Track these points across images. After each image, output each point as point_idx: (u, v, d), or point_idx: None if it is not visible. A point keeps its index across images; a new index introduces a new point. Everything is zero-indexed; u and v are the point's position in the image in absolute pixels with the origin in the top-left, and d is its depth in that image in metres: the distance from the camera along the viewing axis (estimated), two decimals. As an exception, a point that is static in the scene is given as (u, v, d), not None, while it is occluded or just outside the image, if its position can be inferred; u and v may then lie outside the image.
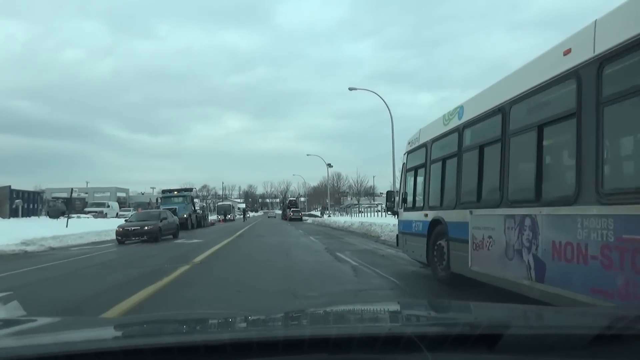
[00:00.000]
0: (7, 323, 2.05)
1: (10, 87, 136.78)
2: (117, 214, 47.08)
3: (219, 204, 72.09)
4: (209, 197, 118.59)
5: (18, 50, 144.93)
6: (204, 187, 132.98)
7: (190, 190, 37.50)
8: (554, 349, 1.40)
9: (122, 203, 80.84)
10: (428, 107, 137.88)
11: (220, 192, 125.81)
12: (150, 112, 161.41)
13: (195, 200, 78.28)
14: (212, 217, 58.37)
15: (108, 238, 22.93)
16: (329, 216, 59.73)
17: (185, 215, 33.87)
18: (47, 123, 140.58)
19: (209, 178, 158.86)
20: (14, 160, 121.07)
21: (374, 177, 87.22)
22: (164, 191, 36.78)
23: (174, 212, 33.92)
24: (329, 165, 68.12)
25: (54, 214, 36.96)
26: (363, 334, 1.44)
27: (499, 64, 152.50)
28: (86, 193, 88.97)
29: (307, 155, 69.60)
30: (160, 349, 1.32)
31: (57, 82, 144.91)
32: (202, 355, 1.29)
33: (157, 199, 37.56)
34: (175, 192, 36.20)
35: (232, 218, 62.99)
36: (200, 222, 38.36)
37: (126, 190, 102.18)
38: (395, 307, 2.85)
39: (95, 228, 25.02)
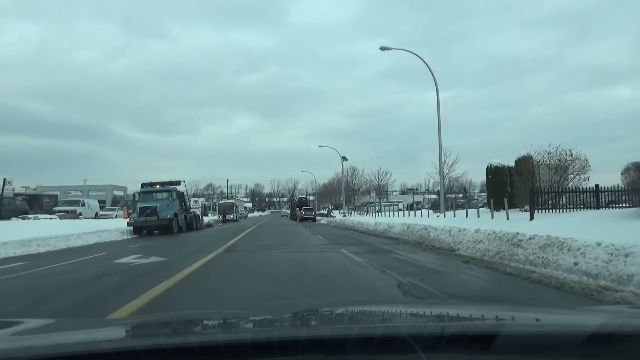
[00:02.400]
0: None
1: (22, 88, 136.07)
2: (96, 213, 39.49)
3: (220, 202, 64.12)
4: (214, 196, 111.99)
5: (31, 51, 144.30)
6: (209, 185, 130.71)
7: (178, 183, 29.57)
8: (548, 348, 1.38)
9: (118, 202, 73.96)
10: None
11: (225, 191, 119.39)
12: (161, 112, 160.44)
13: (198, 199, 70.97)
14: (214, 218, 51.30)
15: (42, 250, 15.60)
16: (344, 215, 52.83)
17: (169, 216, 26.21)
18: (58, 123, 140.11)
19: (216, 177, 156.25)
20: (21, 161, 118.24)
21: (387, 174, 76.31)
22: (143, 185, 28.93)
23: (154, 211, 26.43)
24: (344, 159, 60.90)
25: (9, 213, 29.46)
26: (358, 335, 1.41)
27: (511, 61, 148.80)
28: (80, 192, 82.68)
29: (320, 146, 62.34)
30: (154, 350, 1.29)
31: (69, 82, 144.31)
32: (197, 356, 1.27)
33: (134, 195, 29.81)
34: (158, 186, 28.50)
35: (234, 218, 55.60)
36: (191, 223, 30.69)
37: (124, 189, 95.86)
38: (391, 307, 2.73)
39: (31, 234, 17.50)
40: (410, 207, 47.79)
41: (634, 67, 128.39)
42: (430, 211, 27.26)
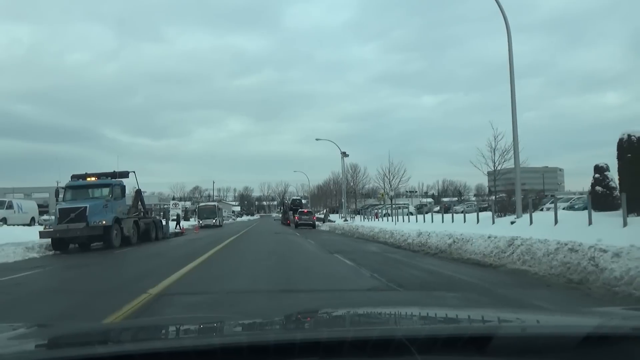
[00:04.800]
0: None
1: (11, 91, 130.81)
2: (32, 218, 30.44)
3: (200, 205, 55.00)
4: (201, 200, 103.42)
5: (22, 53, 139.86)
6: (196, 188, 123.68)
7: (125, 175, 20.64)
8: (544, 350, 1.36)
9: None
10: (431, 109, 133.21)
11: (214, 195, 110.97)
12: (154, 116, 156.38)
13: (178, 202, 61.68)
14: (194, 223, 42.80)
15: None
16: (345, 220, 44.66)
17: (104, 222, 17.29)
18: (48, 126, 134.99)
19: (206, 181, 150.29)
20: (7, 164, 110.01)
21: (394, 172, 67.33)
22: (73, 177, 19.94)
23: (81, 214, 17.55)
24: (344, 154, 52.42)
25: None
26: (354, 338, 1.38)
27: (503, 66, 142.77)
28: (47, 194, 73.48)
29: (317, 139, 53.86)
30: (149, 354, 1.26)
31: (60, 85, 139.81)
32: None
33: (56, 191, 20.85)
34: (93, 179, 19.58)
35: (217, 223, 46.90)
36: (147, 232, 21.76)
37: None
38: (387, 310, 2.67)
39: None
40: (420, 210, 40.15)
41: (623, 73, 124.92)
42: (493, 215, 18.50)
